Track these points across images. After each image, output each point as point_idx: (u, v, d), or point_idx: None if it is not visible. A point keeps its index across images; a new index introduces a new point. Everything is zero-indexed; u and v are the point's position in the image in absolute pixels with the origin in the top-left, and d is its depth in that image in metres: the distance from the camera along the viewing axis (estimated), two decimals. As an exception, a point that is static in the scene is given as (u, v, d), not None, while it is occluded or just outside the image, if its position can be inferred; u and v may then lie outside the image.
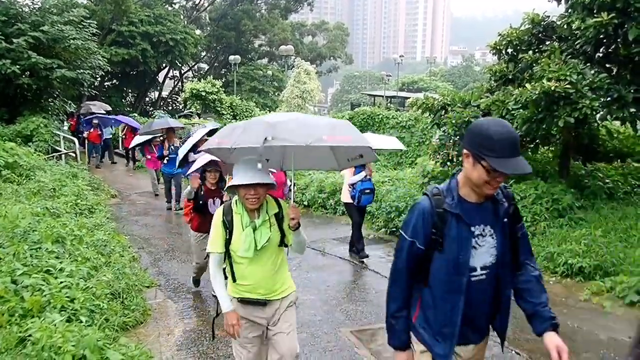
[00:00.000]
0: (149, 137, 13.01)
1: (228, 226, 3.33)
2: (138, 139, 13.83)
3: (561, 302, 6.46)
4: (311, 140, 2.95)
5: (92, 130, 17.68)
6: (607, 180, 9.31)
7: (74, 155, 15.87)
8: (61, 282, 4.79)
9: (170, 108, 40.97)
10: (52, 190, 9.62)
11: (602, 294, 6.45)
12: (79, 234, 6.75)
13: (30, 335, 3.68)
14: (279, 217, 3.42)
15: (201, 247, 6.06)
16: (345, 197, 8.13)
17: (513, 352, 5.03)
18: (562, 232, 7.97)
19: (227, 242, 3.34)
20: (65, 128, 20.76)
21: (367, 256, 8.16)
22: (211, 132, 9.45)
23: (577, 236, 7.56)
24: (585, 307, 6.28)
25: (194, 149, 8.98)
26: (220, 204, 5.41)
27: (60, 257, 5.62)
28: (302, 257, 8.41)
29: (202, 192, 6.05)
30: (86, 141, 17.84)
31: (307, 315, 6.02)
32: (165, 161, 11.81)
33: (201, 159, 6.03)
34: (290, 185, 6.48)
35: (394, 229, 9.82)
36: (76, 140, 16.75)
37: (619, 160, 10.67)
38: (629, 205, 8.51)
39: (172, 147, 11.68)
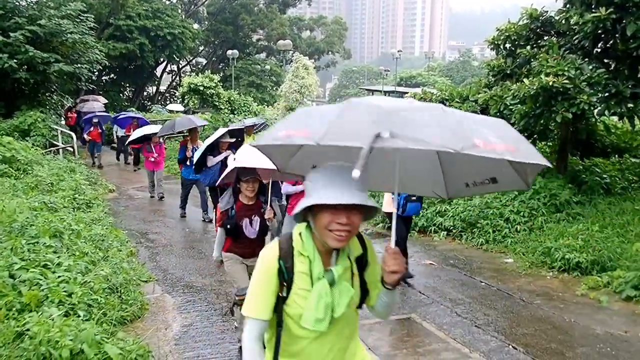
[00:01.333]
0: (148, 133, 12.28)
1: (286, 277, 2.05)
2: (135, 134, 13.00)
3: (558, 296, 6.48)
4: (462, 146, 1.71)
5: (92, 129, 17.12)
6: (604, 176, 9.34)
7: (71, 149, 15.84)
8: (59, 277, 4.80)
9: (168, 102, 40.83)
10: (49, 184, 9.62)
11: (598, 288, 6.48)
12: (76, 229, 6.75)
13: (27, 330, 3.69)
14: (363, 263, 2.18)
15: (238, 269, 4.78)
16: (387, 205, 6.91)
17: (510, 346, 5.05)
18: (560, 227, 7.99)
19: (279, 301, 2.07)
20: (62, 122, 20.75)
21: (412, 276, 7.51)
22: (232, 133, 8.94)
23: (575, 231, 7.59)
24: (582, 302, 6.30)
25: (212, 150, 8.32)
26: (261, 225, 4.75)
27: (57, 252, 5.63)
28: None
29: (233, 210, 4.65)
30: (87, 140, 17.43)
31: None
32: (188, 164, 10.18)
33: (234, 164, 4.75)
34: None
35: (392, 224, 9.80)
36: (74, 135, 16.73)
37: (616, 156, 10.71)
38: (626, 201, 8.53)
39: (195, 149, 9.99)
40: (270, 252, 2.09)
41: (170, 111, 28.37)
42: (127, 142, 15.13)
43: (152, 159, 12.24)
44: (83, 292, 4.70)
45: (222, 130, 8.56)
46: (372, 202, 1.96)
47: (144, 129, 13.06)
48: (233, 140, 8.85)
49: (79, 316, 4.27)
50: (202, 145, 8.24)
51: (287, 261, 2.06)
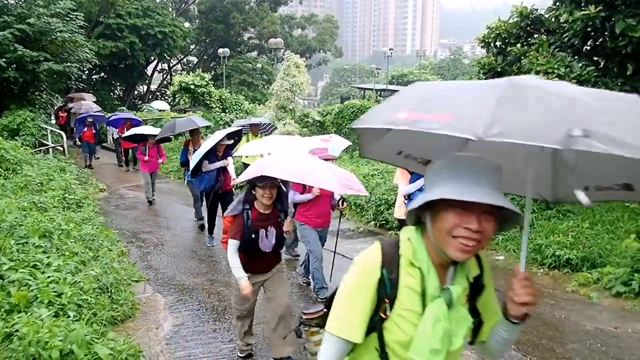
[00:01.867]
0: (145, 133, 11.78)
1: (388, 292, 1.62)
2: (130, 132, 12.61)
3: (549, 293, 6.51)
4: None
5: (85, 130, 16.66)
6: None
7: (61, 149, 15.74)
8: (48, 277, 4.76)
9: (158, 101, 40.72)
10: (39, 184, 9.55)
11: (589, 285, 6.52)
12: (66, 228, 6.70)
13: (17, 331, 3.65)
14: (479, 287, 1.74)
15: (241, 292, 4.21)
16: (400, 212, 6.34)
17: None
18: (550, 224, 8.03)
19: (376, 324, 1.66)
20: (53, 122, 20.59)
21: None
22: (230, 135, 8.49)
23: (565, 228, 7.63)
24: (572, 298, 6.34)
25: (208, 154, 7.79)
26: (277, 237, 4.25)
27: (47, 252, 5.58)
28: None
29: (249, 220, 4.14)
30: (82, 141, 16.95)
31: (293, 307, 6.03)
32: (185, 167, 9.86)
33: (252, 169, 4.05)
34: None
35: (384, 222, 9.83)
36: (64, 134, 16.61)
37: (606, 153, 10.75)
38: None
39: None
40: (371, 256, 1.66)
41: (161, 110, 28.08)
42: (122, 137, 14.87)
43: (146, 160, 11.69)
44: (73, 292, 4.67)
45: (221, 134, 8.05)
46: (513, 206, 1.49)
47: (140, 128, 12.89)
48: (231, 142, 8.60)
49: (68, 316, 4.24)
50: (202, 149, 7.65)
51: (391, 271, 1.63)
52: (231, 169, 8.45)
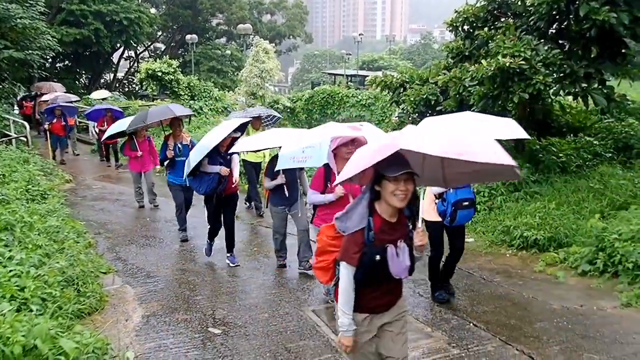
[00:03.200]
0: (130, 129, 9.35)
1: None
2: (113, 129, 10.44)
3: (517, 273, 6.63)
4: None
5: (54, 121, 15.28)
6: (560, 155, 9.54)
7: (25, 139, 15.31)
8: (10, 271, 4.61)
9: (126, 90, 39.94)
10: (1, 176, 9.27)
11: (555, 264, 6.65)
12: (29, 221, 6.52)
13: (-23, 327, 3.54)
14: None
15: (342, 349, 3.12)
16: (430, 213, 5.34)
17: (471, 324, 5.13)
18: (518, 206, 8.15)
19: None
20: (16, 112, 20.00)
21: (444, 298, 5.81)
22: (241, 127, 7.07)
23: (532, 210, 7.75)
24: (539, 278, 6.45)
25: (212, 153, 6.41)
26: (410, 256, 2.96)
27: (9, 245, 5.41)
28: (262, 238, 8.40)
29: (370, 232, 2.85)
30: (49, 133, 15.71)
31: (269, 295, 6.00)
32: (165, 165, 8.39)
33: (375, 149, 2.70)
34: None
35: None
36: (27, 124, 16.14)
37: (571, 135, 10.95)
38: (581, 179, 8.74)
39: (179, 145, 8.12)
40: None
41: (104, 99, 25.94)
42: (102, 139, 12.85)
43: (139, 155, 10.13)
44: (36, 285, 4.54)
45: (229, 126, 6.51)
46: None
47: (123, 122, 10.38)
48: (239, 134, 7.07)
49: (31, 311, 4.13)
50: (203, 144, 6.36)
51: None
52: (236, 171, 6.93)
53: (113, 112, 14.39)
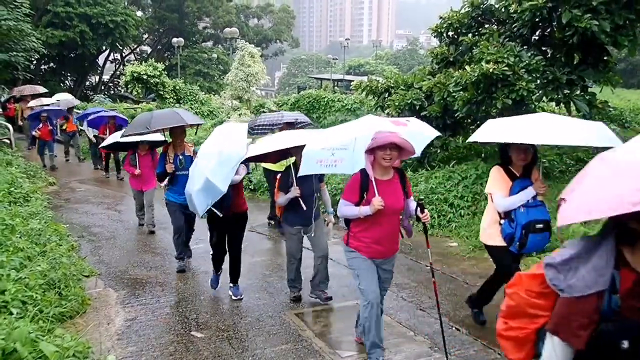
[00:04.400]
0: (127, 135, 7.38)
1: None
2: (111, 139, 9.45)
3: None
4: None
5: (41, 125, 14.62)
6: (543, 160, 9.62)
7: (8, 141, 15.16)
8: (-10, 274, 4.58)
9: (112, 92, 39.67)
10: (-18, 178, 9.18)
11: (537, 268, 6.69)
12: (11, 223, 6.46)
13: (-45, 330, 3.51)
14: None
15: None
16: (492, 236, 4.65)
17: (453, 328, 5.16)
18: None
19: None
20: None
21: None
22: (291, 124, 6.98)
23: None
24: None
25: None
26: None
27: (-11, 248, 5.37)
28: (246, 241, 8.37)
29: (615, 297, 1.75)
30: (37, 140, 14.97)
31: (252, 299, 5.99)
32: (165, 183, 6.96)
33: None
34: None
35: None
36: (10, 126, 15.97)
37: (554, 141, 11.05)
38: (564, 183, 8.80)
39: (180, 157, 6.77)
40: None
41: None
42: (99, 146, 11.65)
43: (137, 173, 8.74)
44: (17, 288, 4.50)
45: (239, 133, 5.46)
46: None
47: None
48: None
49: (11, 314, 4.09)
50: (229, 154, 5.08)
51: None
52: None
53: (117, 119, 13.16)
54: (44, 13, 28.89)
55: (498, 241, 4.53)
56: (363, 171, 4.07)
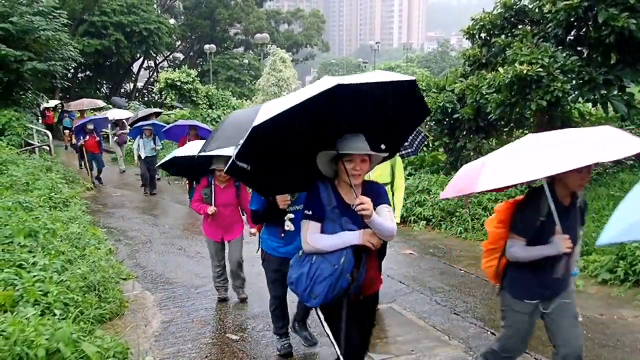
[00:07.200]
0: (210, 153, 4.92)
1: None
2: (177, 153, 6.12)
3: (536, 282, 6.56)
4: None
5: (87, 138, 13.82)
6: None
7: (48, 148, 15.60)
8: (34, 276, 4.72)
9: (145, 99, 40.47)
10: (25, 184, 9.45)
11: (575, 273, 6.57)
12: (52, 227, 6.65)
13: (2, 330, 3.62)
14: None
15: None
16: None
17: (488, 332, 5.11)
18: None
19: None
20: (40, 121, 20.32)
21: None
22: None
23: (552, 218, 7.67)
24: (558, 287, 6.38)
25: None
26: None
27: (33, 251, 5.54)
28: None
29: None
30: (86, 152, 14.04)
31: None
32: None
33: None
34: None
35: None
36: (50, 133, 16.43)
37: (591, 142, 10.82)
38: (601, 186, 8.66)
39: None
40: None
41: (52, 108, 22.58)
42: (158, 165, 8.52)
43: (212, 212, 5.70)
44: (59, 291, 4.63)
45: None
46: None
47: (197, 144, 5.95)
48: None
49: (54, 315, 4.21)
50: None
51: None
52: None
53: (198, 129, 10.82)
54: (81, 22, 29.64)
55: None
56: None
